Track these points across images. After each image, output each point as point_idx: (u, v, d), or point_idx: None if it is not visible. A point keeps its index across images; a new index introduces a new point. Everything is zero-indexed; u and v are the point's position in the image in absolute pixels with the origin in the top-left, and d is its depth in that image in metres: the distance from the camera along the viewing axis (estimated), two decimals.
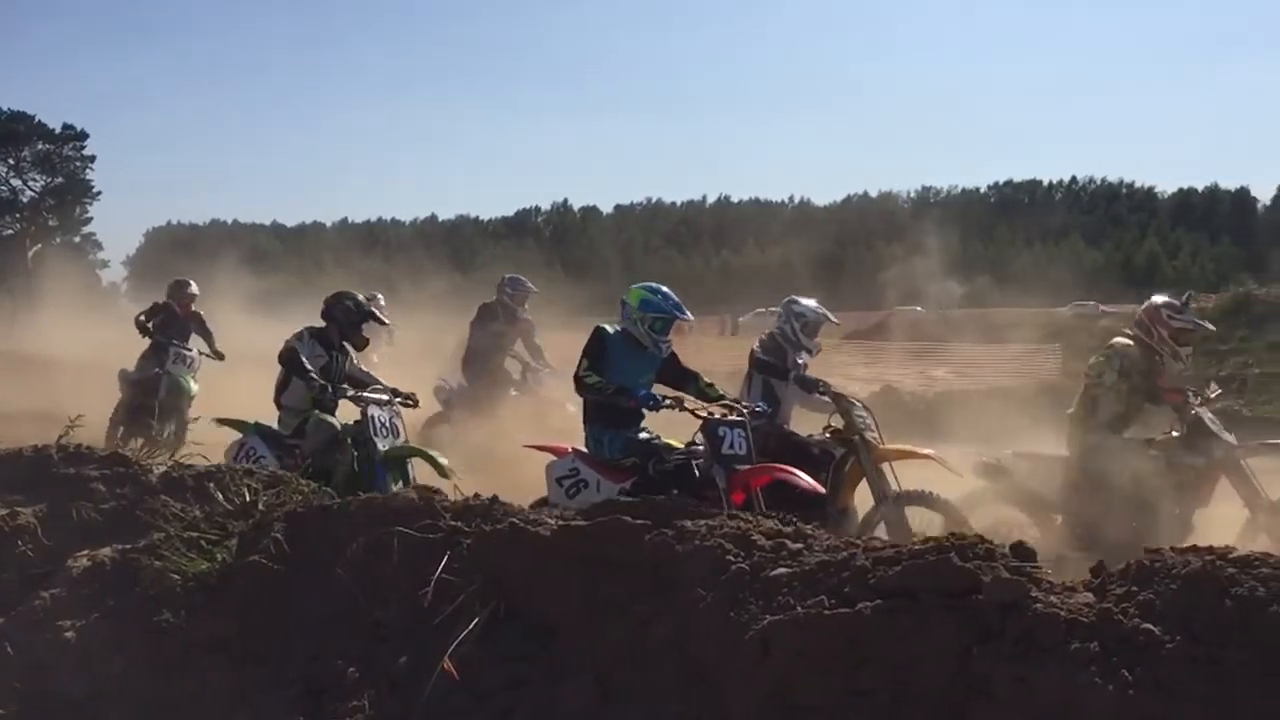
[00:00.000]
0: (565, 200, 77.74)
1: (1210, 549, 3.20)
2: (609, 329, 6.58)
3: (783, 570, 3.31)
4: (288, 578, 3.77)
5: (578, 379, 6.37)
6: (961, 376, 18.30)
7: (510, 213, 76.83)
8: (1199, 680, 2.73)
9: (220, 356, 11.61)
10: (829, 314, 8.21)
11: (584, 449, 6.58)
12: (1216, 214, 53.79)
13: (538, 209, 77.89)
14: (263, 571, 3.81)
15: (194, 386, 11.26)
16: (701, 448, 6.36)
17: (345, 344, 8.02)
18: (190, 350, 11.44)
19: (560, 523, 3.60)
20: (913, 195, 72.99)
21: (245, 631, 3.78)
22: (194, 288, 11.82)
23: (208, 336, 11.68)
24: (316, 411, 7.63)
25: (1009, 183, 70.04)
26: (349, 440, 7.53)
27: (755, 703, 3.05)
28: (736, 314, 40.66)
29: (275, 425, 7.88)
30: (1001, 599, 3.00)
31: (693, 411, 6.43)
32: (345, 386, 7.80)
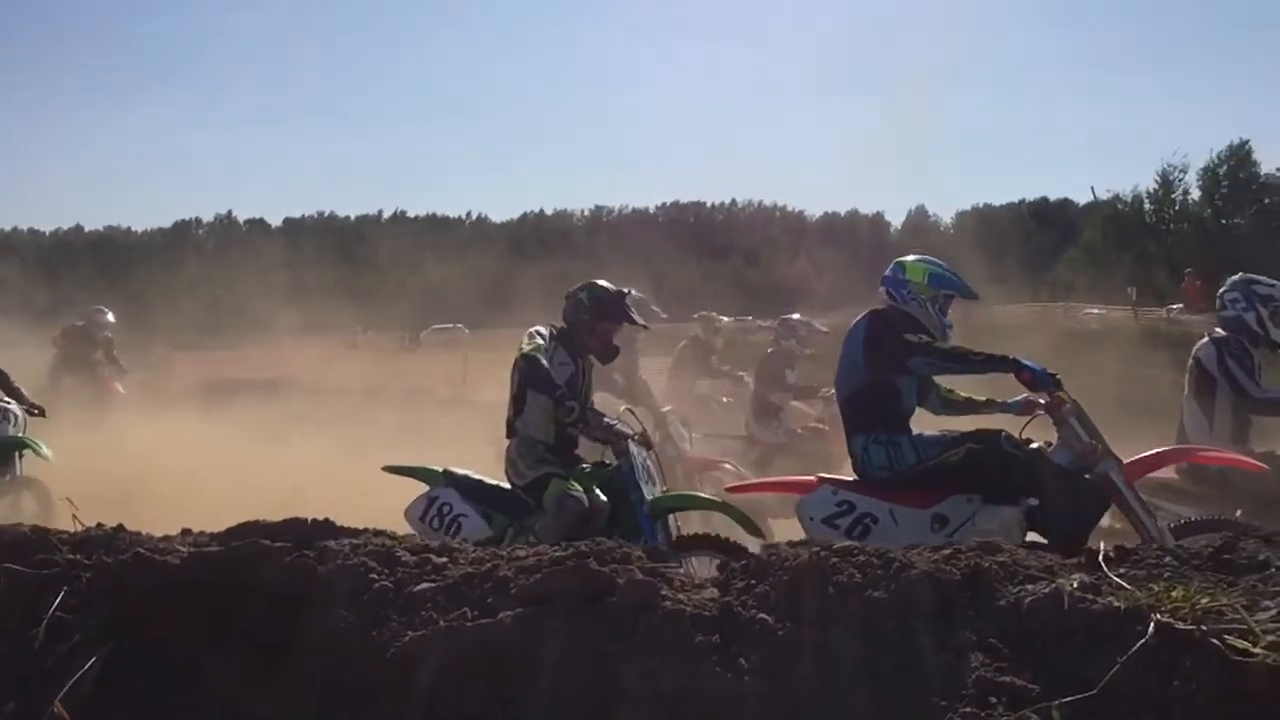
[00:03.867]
0: (230, 212, 74.09)
1: (820, 543, 3.54)
2: (881, 308, 5.46)
3: (427, 585, 3.32)
4: None
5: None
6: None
7: (168, 224, 72.22)
8: (804, 663, 2.98)
9: (40, 411, 9.05)
10: None
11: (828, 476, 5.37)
12: (856, 236, 58.93)
13: (198, 220, 73.73)
14: None
15: (47, 450, 8.71)
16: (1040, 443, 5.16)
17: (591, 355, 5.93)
18: (9, 403, 8.87)
19: (191, 550, 3.44)
20: (586, 214, 75.06)
21: None
22: None
23: (6, 382, 9.13)
24: (557, 479, 5.50)
25: (675, 204, 73.59)
26: (600, 496, 5.53)
27: None
28: (416, 329, 40.13)
29: (502, 464, 5.80)
30: (634, 600, 3.16)
31: (1048, 396, 5.17)
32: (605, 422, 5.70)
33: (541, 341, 5.70)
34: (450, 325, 37.78)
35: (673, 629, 3.07)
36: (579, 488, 5.49)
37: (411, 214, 74.01)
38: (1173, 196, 51.74)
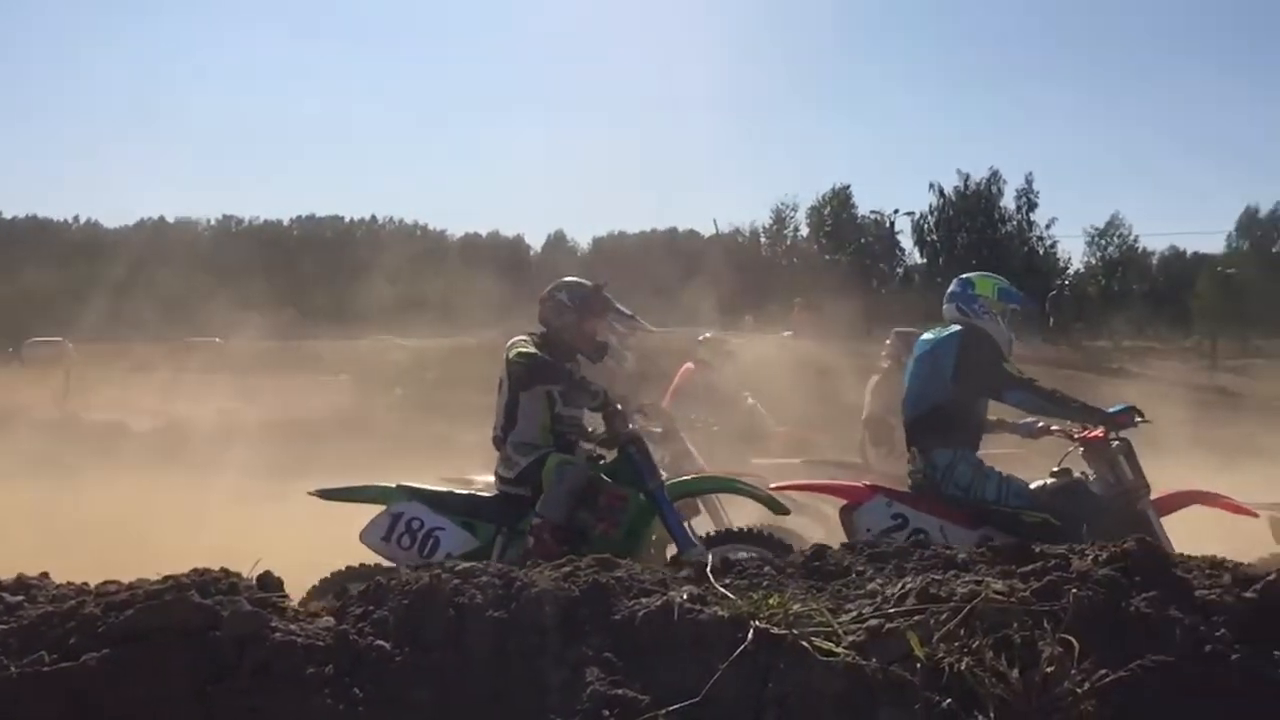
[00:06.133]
0: None
1: (442, 565, 3.49)
2: (965, 328, 5.33)
3: None
4: None
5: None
6: (253, 406, 18.05)
7: None
8: (423, 688, 2.91)
9: None
10: None
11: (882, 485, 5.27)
12: (498, 258, 59.52)
13: None
14: None
15: None
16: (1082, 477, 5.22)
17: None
18: None
19: None
20: (213, 223, 70.83)
21: None
22: None
23: None
24: (554, 454, 5.26)
25: (311, 217, 71.12)
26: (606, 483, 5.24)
27: None
28: (15, 342, 35.96)
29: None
30: (240, 632, 2.95)
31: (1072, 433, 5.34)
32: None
33: (532, 348, 5.45)
34: (52, 338, 34.24)
35: (283, 661, 2.90)
36: (573, 458, 5.31)
37: (8, 215, 66.52)
38: (785, 233, 56.59)
